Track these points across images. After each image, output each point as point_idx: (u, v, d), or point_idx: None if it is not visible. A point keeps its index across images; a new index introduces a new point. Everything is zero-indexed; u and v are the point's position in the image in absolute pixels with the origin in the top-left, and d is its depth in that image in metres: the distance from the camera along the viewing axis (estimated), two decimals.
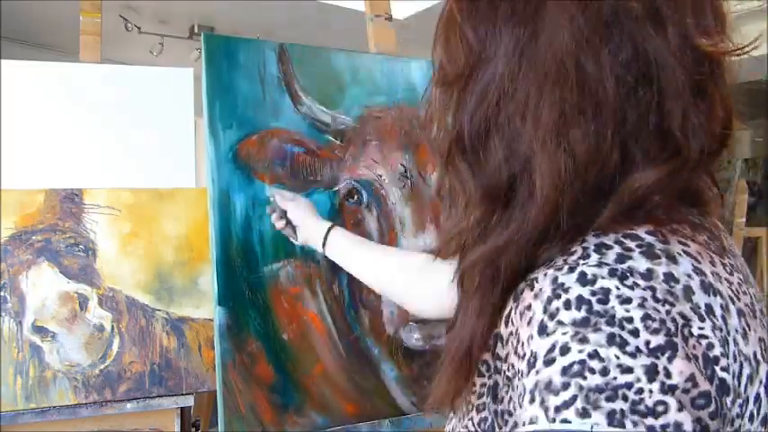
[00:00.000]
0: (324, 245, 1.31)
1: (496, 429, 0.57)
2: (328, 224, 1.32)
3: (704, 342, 0.49)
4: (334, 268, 1.46)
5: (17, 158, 1.88)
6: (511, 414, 0.54)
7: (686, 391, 0.46)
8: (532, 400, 0.48)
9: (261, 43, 1.46)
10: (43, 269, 1.87)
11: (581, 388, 0.46)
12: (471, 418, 0.60)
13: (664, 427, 0.44)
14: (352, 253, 1.29)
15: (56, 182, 1.91)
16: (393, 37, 1.66)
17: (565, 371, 0.47)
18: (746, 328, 0.53)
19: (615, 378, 0.45)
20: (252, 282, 1.39)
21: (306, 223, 1.35)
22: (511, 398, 0.54)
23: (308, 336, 1.42)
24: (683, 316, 0.49)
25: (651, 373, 0.45)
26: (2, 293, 1.82)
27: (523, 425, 0.48)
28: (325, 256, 1.42)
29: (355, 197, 1.50)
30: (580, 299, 0.48)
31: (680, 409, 0.45)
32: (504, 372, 0.55)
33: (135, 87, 2.02)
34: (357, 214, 1.50)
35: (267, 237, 1.41)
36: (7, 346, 1.80)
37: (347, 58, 1.54)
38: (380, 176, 1.52)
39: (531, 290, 0.52)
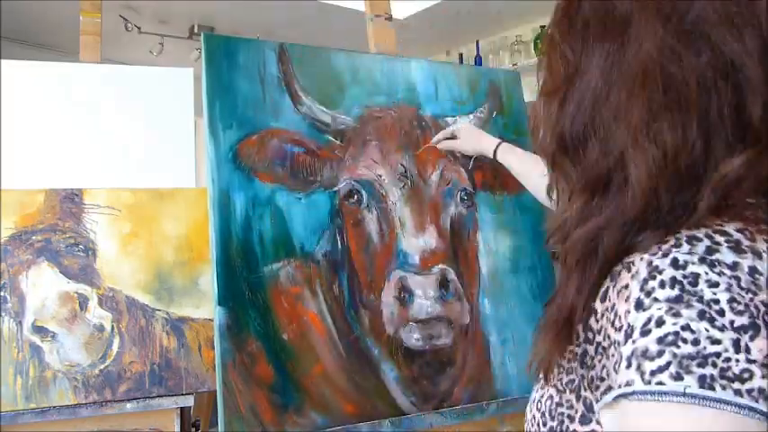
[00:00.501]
0: (495, 153, 1.54)
1: (582, 391, 0.65)
2: (497, 140, 1.55)
3: None
4: (334, 268, 1.46)
5: (17, 159, 1.90)
6: (603, 379, 0.61)
7: (765, 366, 0.51)
8: (629, 366, 0.55)
9: (261, 43, 1.46)
10: (43, 269, 1.88)
11: (675, 355, 0.52)
12: (561, 379, 0.68)
13: (749, 391, 0.50)
14: (513, 162, 1.53)
15: (56, 182, 1.92)
16: (393, 37, 1.66)
17: (660, 340, 0.53)
18: None
19: (705, 348, 0.52)
20: (252, 282, 1.38)
21: (478, 137, 1.56)
22: (604, 365, 0.61)
23: (308, 336, 1.42)
24: (764, 304, 0.54)
25: (737, 346, 0.52)
26: (2, 293, 1.83)
27: (619, 387, 0.56)
28: (324, 256, 1.43)
29: (355, 197, 1.50)
30: (673, 279, 0.55)
31: (764, 377, 0.51)
32: (599, 342, 0.62)
33: (135, 87, 2.04)
34: (357, 214, 1.50)
35: (267, 237, 1.41)
36: (7, 346, 1.81)
37: (347, 58, 1.54)
38: (380, 176, 1.52)
39: (629, 271, 0.59)
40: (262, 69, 1.45)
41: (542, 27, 4.08)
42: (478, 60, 4.62)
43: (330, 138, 1.50)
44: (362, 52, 1.59)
